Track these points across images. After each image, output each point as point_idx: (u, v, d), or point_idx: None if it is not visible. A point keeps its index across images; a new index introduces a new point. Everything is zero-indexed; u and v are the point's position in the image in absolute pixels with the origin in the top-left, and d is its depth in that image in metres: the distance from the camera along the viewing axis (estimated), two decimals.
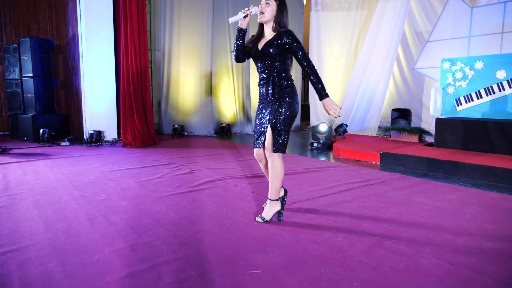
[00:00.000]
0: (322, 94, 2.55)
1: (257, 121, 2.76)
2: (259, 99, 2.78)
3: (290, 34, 2.60)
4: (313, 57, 10.62)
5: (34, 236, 2.48)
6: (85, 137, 6.92)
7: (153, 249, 2.28)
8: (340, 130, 7.39)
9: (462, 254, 2.26)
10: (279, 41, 2.59)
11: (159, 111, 9.09)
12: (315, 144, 6.84)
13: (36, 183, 3.91)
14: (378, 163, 5.42)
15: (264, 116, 2.71)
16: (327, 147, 6.75)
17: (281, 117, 2.60)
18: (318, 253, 2.24)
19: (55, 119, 7.43)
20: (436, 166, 4.78)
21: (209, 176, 4.32)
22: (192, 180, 4.11)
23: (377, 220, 2.87)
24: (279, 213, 2.79)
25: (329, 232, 2.59)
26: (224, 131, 9.15)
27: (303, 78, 14.53)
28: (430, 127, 7.21)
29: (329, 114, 2.50)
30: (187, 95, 9.10)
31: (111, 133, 7.12)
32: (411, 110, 8.23)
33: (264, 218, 2.75)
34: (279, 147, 2.60)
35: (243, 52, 2.78)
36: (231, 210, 3.06)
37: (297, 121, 11.35)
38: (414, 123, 8.38)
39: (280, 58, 2.62)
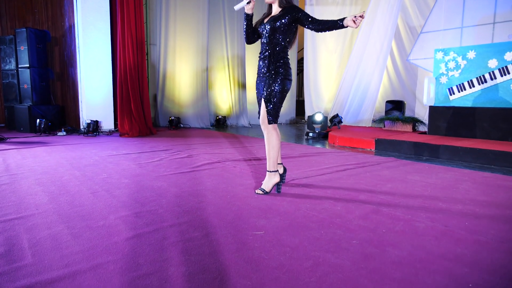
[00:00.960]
0: (342, 22, 2.56)
1: (256, 93, 2.95)
2: (257, 71, 2.89)
3: (296, 8, 2.72)
4: (308, 51, 10.72)
5: (39, 206, 2.53)
6: (81, 127, 6.93)
7: (157, 216, 2.34)
8: (335, 120, 7.48)
9: (455, 218, 2.35)
10: (286, 16, 2.70)
11: (155, 105, 9.12)
12: (310, 134, 6.93)
13: (36, 165, 3.94)
14: (373, 149, 5.52)
15: (260, 90, 2.88)
16: (322, 136, 6.84)
17: (274, 92, 2.75)
18: (318, 219, 2.31)
19: (51, 110, 7.43)
20: (430, 150, 4.89)
21: (207, 159, 4.38)
22: (191, 163, 4.17)
23: (374, 192, 2.96)
24: (278, 185, 2.87)
25: (327, 202, 2.67)
26: (220, 123, 9.21)
27: (298, 73, 14.65)
28: (424, 118, 7.32)
29: (356, 25, 2.46)
30: (183, 88, 9.14)
31: (108, 124, 7.14)
32: (405, 102, 8.35)
33: (264, 190, 2.83)
34: (272, 119, 2.73)
35: (252, 34, 2.92)
36: (231, 186, 3.13)
37: (292, 114, 11.44)
38: (407, 115, 8.48)
39: (283, 32, 2.73)
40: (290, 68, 2.82)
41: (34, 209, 2.46)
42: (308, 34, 10.66)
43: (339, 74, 10.52)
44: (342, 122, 7.71)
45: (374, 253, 1.81)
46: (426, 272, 1.62)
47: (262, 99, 2.78)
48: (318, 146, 5.97)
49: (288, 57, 2.84)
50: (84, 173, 3.61)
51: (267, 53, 2.77)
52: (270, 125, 2.77)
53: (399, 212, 2.45)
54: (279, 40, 2.74)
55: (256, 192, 2.86)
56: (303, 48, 11.72)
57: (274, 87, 2.74)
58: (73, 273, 1.60)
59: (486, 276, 1.60)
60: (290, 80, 2.81)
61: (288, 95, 11.56)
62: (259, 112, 2.88)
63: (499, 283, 1.54)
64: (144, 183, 3.23)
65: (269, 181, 2.85)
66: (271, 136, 2.77)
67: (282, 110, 11.11)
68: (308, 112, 10.74)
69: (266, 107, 2.75)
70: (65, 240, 1.95)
